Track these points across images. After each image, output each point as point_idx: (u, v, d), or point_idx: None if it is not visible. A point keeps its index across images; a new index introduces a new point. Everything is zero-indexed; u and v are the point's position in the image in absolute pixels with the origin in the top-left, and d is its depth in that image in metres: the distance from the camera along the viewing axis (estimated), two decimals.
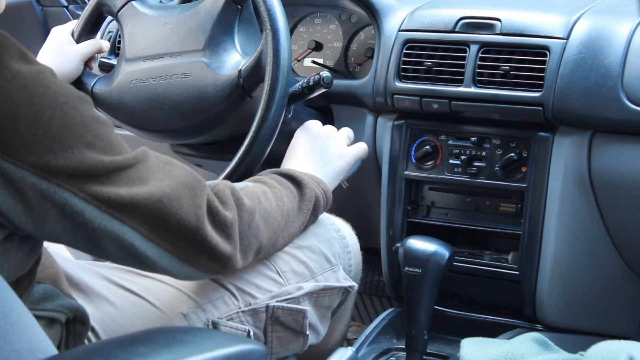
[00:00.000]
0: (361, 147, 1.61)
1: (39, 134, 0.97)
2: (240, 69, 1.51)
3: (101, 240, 1.05)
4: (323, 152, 1.53)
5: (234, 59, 1.54)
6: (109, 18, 1.79)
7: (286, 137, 1.70)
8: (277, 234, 1.33)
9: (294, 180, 1.40)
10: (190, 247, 1.12)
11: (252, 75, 1.50)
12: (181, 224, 1.09)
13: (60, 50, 1.69)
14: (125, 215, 1.04)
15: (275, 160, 1.56)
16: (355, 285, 1.51)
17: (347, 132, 1.62)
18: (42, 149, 0.97)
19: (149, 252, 1.09)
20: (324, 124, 1.67)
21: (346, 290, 1.48)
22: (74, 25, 1.73)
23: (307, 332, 1.41)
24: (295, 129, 1.71)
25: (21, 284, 1.08)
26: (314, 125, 1.58)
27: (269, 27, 1.46)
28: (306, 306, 1.40)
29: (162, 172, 1.09)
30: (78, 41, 1.71)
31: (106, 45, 1.74)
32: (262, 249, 1.29)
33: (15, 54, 0.97)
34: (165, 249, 1.10)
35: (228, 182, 1.25)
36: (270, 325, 1.37)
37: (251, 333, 1.35)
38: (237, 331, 1.34)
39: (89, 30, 1.73)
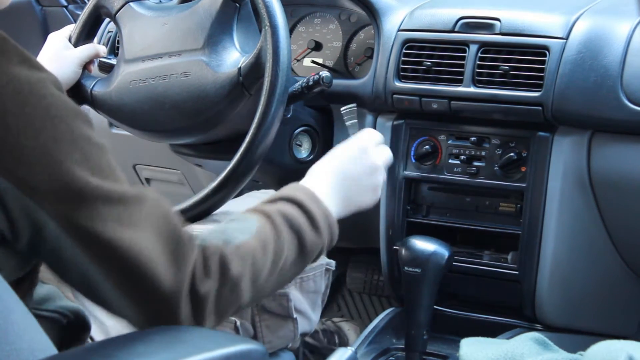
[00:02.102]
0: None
1: (27, 145, 0.93)
2: (240, 67, 1.51)
3: (67, 270, 0.99)
4: (363, 187, 1.33)
5: (234, 57, 1.54)
6: (108, 19, 1.78)
7: (285, 138, 1.70)
8: (263, 293, 1.18)
9: (312, 221, 1.20)
10: (157, 311, 1.01)
11: (252, 73, 1.50)
12: (155, 286, 0.99)
13: (57, 56, 1.68)
14: (99, 257, 0.97)
15: (273, 160, 1.56)
16: (333, 262, 1.49)
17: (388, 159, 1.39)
18: (28, 161, 0.93)
19: (112, 299, 1.00)
20: (323, 123, 1.66)
21: (327, 270, 1.47)
22: (70, 30, 1.74)
23: (295, 316, 1.39)
24: (295, 130, 1.72)
25: (21, 285, 1.08)
26: (374, 142, 1.35)
27: (268, 23, 1.46)
28: (292, 291, 1.39)
29: (155, 222, 1.00)
30: (76, 44, 1.71)
31: (103, 50, 1.73)
32: (241, 308, 1.14)
33: (15, 58, 0.94)
34: (130, 303, 1.00)
35: (220, 245, 1.08)
36: (256, 314, 1.36)
37: (238, 324, 1.34)
38: (224, 326, 1.33)
39: (87, 32, 1.73)
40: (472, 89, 1.64)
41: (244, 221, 1.14)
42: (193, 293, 1.02)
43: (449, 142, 1.71)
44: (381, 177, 1.35)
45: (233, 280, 1.08)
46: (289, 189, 1.22)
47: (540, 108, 1.59)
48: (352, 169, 1.31)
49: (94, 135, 0.98)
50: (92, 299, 1.02)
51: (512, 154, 1.64)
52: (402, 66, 1.71)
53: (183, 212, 1.46)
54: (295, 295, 1.40)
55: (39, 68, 0.96)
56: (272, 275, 1.15)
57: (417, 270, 1.56)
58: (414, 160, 1.73)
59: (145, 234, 0.98)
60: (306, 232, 1.18)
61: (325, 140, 1.79)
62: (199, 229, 1.10)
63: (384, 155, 1.35)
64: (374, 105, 1.77)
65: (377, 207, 1.78)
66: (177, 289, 1.00)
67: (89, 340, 1.25)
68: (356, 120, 1.48)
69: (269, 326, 1.38)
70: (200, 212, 1.47)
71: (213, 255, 1.06)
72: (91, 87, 1.68)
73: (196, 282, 1.02)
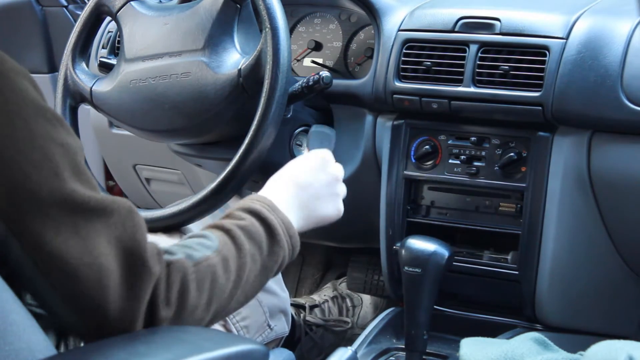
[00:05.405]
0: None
1: None
2: (240, 68, 1.51)
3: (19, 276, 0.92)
4: (324, 197, 1.33)
5: (234, 58, 1.54)
6: (108, 18, 1.78)
7: (285, 138, 1.70)
8: (228, 310, 1.15)
9: (270, 231, 1.18)
10: (106, 332, 0.96)
11: (252, 74, 1.50)
12: (102, 312, 0.93)
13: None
14: (43, 267, 0.90)
15: (273, 160, 1.55)
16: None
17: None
18: None
19: (55, 307, 0.95)
20: (323, 123, 1.66)
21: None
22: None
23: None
24: (295, 130, 1.72)
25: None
26: (329, 161, 1.37)
27: (269, 25, 1.47)
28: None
29: (118, 237, 0.93)
30: (77, 43, 1.70)
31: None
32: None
33: None
34: (78, 321, 0.95)
35: (183, 260, 1.03)
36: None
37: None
38: None
39: (87, 31, 1.73)
40: (472, 89, 1.64)
41: (204, 237, 1.12)
42: (148, 319, 0.98)
43: (449, 142, 1.71)
44: (341, 189, 1.36)
45: (190, 309, 1.03)
46: (246, 201, 1.21)
47: (540, 108, 1.59)
48: (312, 178, 1.31)
49: (62, 136, 0.91)
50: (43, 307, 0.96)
51: (512, 154, 1.64)
52: (402, 66, 1.71)
53: (182, 212, 1.47)
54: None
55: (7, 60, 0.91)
56: (237, 290, 1.12)
57: (417, 270, 1.56)
58: (414, 160, 1.73)
59: (104, 250, 0.92)
60: (267, 243, 1.16)
61: None
62: (164, 244, 1.06)
63: (341, 170, 1.37)
64: (374, 105, 1.77)
65: (377, 207, 1.78)
66: (127, 318, 0.95)
67: None
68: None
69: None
70: (199, 212, 1.47)
71: (175, 279, 1.01)
72: (91, 85, 1.68)
73: (155, 310, 0.98)
